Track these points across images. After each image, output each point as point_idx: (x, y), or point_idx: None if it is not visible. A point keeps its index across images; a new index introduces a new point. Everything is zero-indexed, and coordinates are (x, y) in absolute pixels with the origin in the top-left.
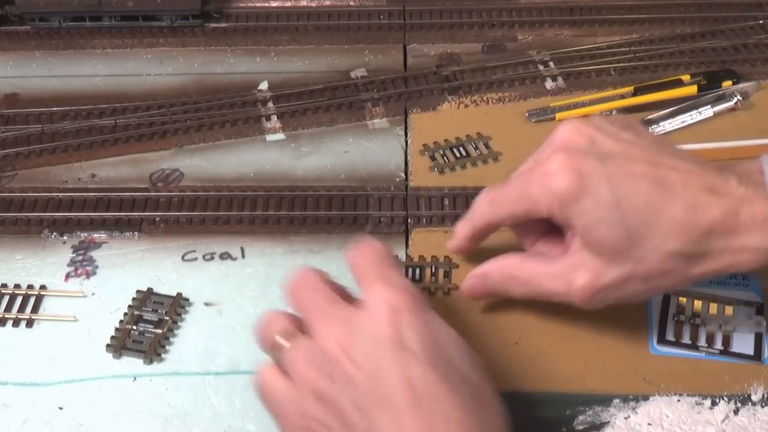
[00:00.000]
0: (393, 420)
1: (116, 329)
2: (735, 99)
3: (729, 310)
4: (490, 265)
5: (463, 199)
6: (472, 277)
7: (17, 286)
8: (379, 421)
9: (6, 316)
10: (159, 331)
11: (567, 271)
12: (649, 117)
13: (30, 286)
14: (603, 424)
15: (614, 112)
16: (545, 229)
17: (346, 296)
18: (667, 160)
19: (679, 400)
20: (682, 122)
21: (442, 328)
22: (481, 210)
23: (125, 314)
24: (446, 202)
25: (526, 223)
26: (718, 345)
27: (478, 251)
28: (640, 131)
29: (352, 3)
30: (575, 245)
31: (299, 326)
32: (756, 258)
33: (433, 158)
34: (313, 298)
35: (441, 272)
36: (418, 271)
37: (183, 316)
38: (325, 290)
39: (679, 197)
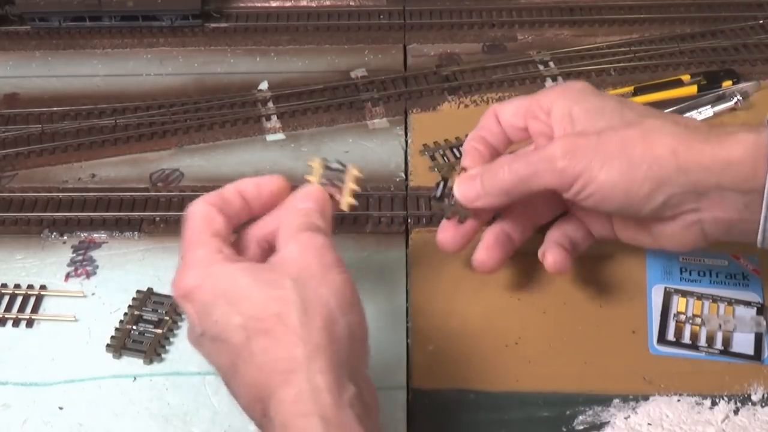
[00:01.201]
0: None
1: (116, 329)
2: (735, 99)
3: (729, 310)
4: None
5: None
6: (464, 182)
7: (17, 286)
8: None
9: (6, 316)
10: (159, 331)
11: (546, 147)
12: None
13: (30, 286)
14: (603, 424)
15: None
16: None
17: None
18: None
19: (679, 400)
20: None
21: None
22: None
23: (125, 314)
24: (446, 202)
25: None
26: (718, 345)
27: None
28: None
29: (352, 3)
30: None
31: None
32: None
33: (433, 158)
34: (183, 235)
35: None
36: None
37: (183, 316)
38: (196, 227)
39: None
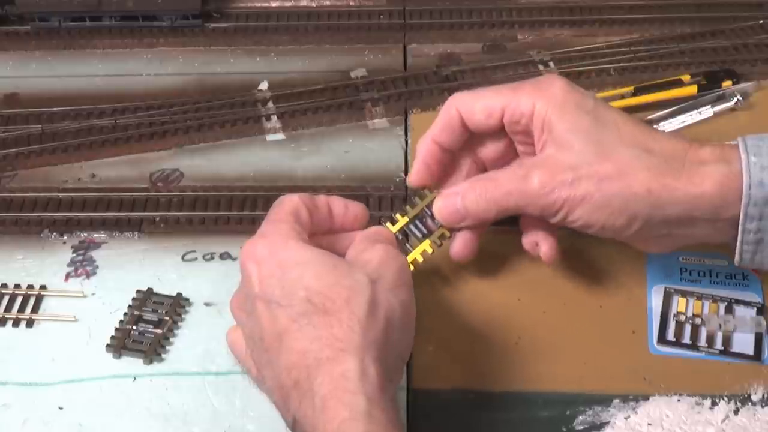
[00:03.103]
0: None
1: (116, 329)
2: (735, 99)
3: (729, 310)
4: (460, 186)
5: None
6: (443, 198)
7: (17, 286)
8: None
9: (6, 316)
10: (159, 331)
11: (526, 169)
12: (649, 117)
13: (30, 286)
14: (603, 424)
15: None
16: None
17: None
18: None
19: (679, 400)
20: (682, 122)
21: (292, 258)
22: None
23: (125, 314)
24: None
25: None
26: (718, 345)
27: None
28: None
29: (352, 3)
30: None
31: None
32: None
33: None
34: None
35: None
36: None
37: (183, 316)
38: (281, 218)
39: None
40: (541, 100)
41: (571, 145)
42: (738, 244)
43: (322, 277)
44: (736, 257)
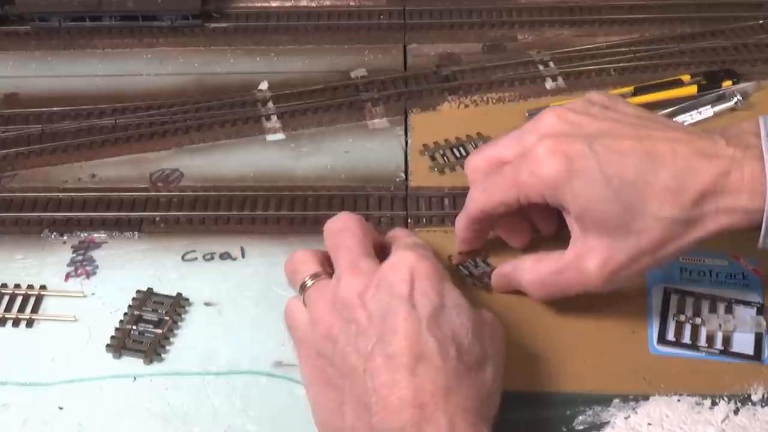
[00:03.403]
0: (390, 372)
1: (116, 329)
2: (735, 99)
3: (729, 310)
4: (507, 267)
5: (463, 199)
6: (496, 276)
7: (17, 286)
8: (378, 370)
9: (6, 316)
10: (159, 331)
11: (576, 261)
12: None
13: (30, 286)
14: (603, 424)
15: None
16: (540, 216)
17: (379, 245)
18: (654, 132)
19: (679, 400)
20: (682, 122)
21: (453, 298)
22: (475, 197)
23: (125, 314)
24: (446, 202)
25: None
26: (718, 345)
27: None
28: (624, 108)
29: (352, 3)
30: (576, 232)
31: (328, 262)
32: (747, 218)
33: (433, 158)
34: (347, 242)
35: None
36: None
37: (183, 316)
38: (361, 239)
39: (669, 165)
40: (543, 189)
41: (603, 231)
42: (763, 228)
43: (471, 333)
44: (760, 241)
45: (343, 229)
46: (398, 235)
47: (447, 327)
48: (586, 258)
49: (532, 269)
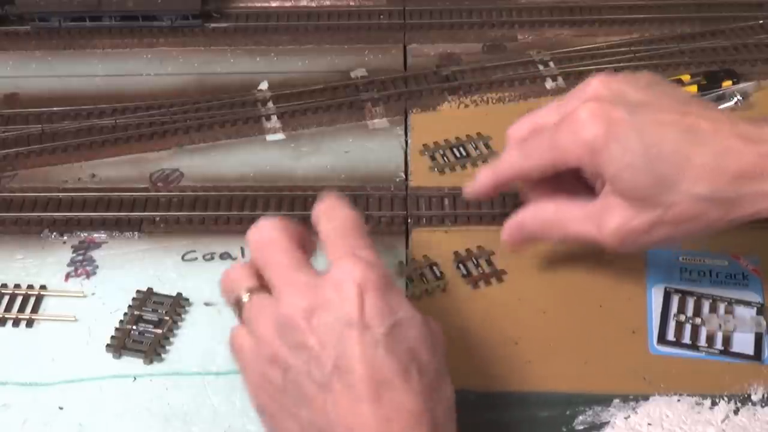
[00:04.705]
0: (352, 403)
1: (116, 329)
2: (735, 99)
3: (729, 310)
4: (525, 213)
5: (463, 198)
6: (508, 228)
7: (17, 286)
8: (339, 400)
9: (6, 316)
10: (159, 331)
11: (598, 214)
12: None
13: (30, 286)
14: (603, 424)
15: None
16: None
17: (309, 247)
18: (697, 110)
19: (679, 400)
20: None
21: (405, 311)
22: (510, 159)
23: (125, 314)
24: (446, 202)
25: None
26: (718, 345)
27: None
28: (669, 87)
29: (352, 3)
30: (606, 191)
31: (263, 279)
32: None
33: (433, 158)
34: (276, 257)
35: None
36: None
37: (183, 316)
38: (290, 250)
39: (709, 143)
40: (581, 151)
41: (629, 190)
42: None
43: (427, 347)
44: None
45: (267, 242)
46: (330, 235)
47: (404, 345)
48: (608, 214)
49: (557, 211)
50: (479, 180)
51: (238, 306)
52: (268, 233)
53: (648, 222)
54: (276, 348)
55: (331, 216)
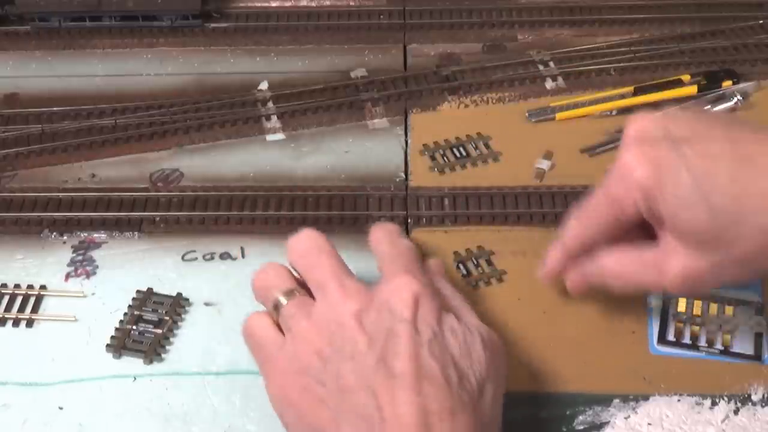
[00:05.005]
0: (394, 390)
1: (116, 329)
2: (735, 99)
3: (729, 310)
4: (586, 267)
5: (463, 199)
6: (571, 281)
7: (17, 286)
8: (381, 388)
9: (6, 316)
10: (159, 331)
11: (660, 260)
12: None
13: (30, 286)
14: (603, 424)
15: (614, 113)
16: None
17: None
18: (747, 136)
19: (679, 400)
20: None
21: (450, 326)
22: (573, 230)
23: (125, 314)
24: (446, 202)
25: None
26: (718, 345)
27: None
28: (713, 115)
29: (352, 3)
30: (666, 235)
31: (298, 283)
32: None
33: (433, 158)
34: (326, 262)
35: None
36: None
37: (183, 316)
38: (338, 258)
39: (765, 169)
40: (635, 198)
41: (688, 230)
42: None
43: (470, 357)
44: None
45: (315, 248)
46: (390, 253)
47: (447, 353)
48: (669, 260)
49: (618, 261)
50: (550, 262)
51: (274, 307)
52: (313, 240)
53: (713, 263)
54: (319, 344)
55: (394, 242)
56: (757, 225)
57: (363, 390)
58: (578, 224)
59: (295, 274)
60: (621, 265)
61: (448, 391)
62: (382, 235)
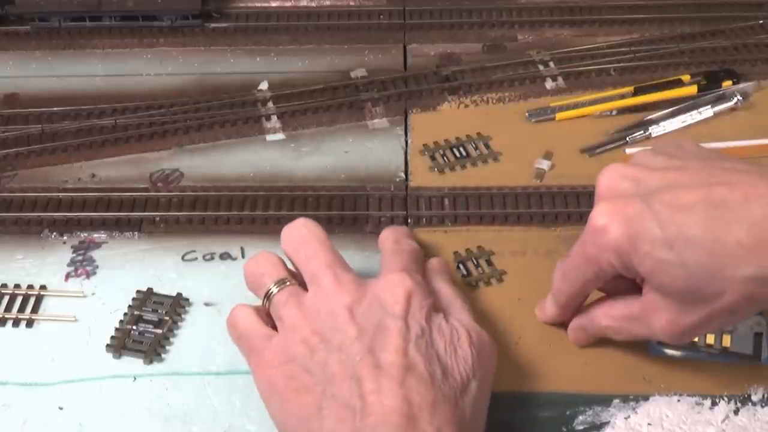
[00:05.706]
0: (378, 380)
1: (116, 329)
2: (735, 99)
3: None
4: (581, 320)
5: (463, 199)
6: (572, 335)
7: (17, 286)
8: (365, 377)
9: (6, 316)
10: (159, 331)
11: (644, 315)
12: (649, 117)
13: (30, 286)
14: (603, 424)
15: (614, 113)
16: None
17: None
18: (723, 177)
19: (679, 400)
20: (682, 122)
21: (438, 325)
22: (558, 287)
23: (125, 314)
24: (446, 202)
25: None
26: (718, 345)
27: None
28: (692, 151)
29: (352, 3)
30: (646, 290)
31: (289, 273)
32: None
33: (433, 158)
34: (320, 254)
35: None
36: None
37: (183, 316)
38: (332, 248)
39: (741, 216)
40: (610, 259)
41: (667, 287)
42: None
43: (456, 356)
44: None
45: (311, 238)
46: (393, 251)
47: (432, 350)
48: (653, 315)
49: (606, 315)
50: (547, 312)
51: (267, 295)
52: (309, 229)
53: (698, 318)
54: (308, 333)
55: (401, 241)
56: (736, 278)
57: (348, 379)
58: (563, 280)
59: (288, 264)
60: (610, 318)
61: (431, 385)
62: (390, 233)
